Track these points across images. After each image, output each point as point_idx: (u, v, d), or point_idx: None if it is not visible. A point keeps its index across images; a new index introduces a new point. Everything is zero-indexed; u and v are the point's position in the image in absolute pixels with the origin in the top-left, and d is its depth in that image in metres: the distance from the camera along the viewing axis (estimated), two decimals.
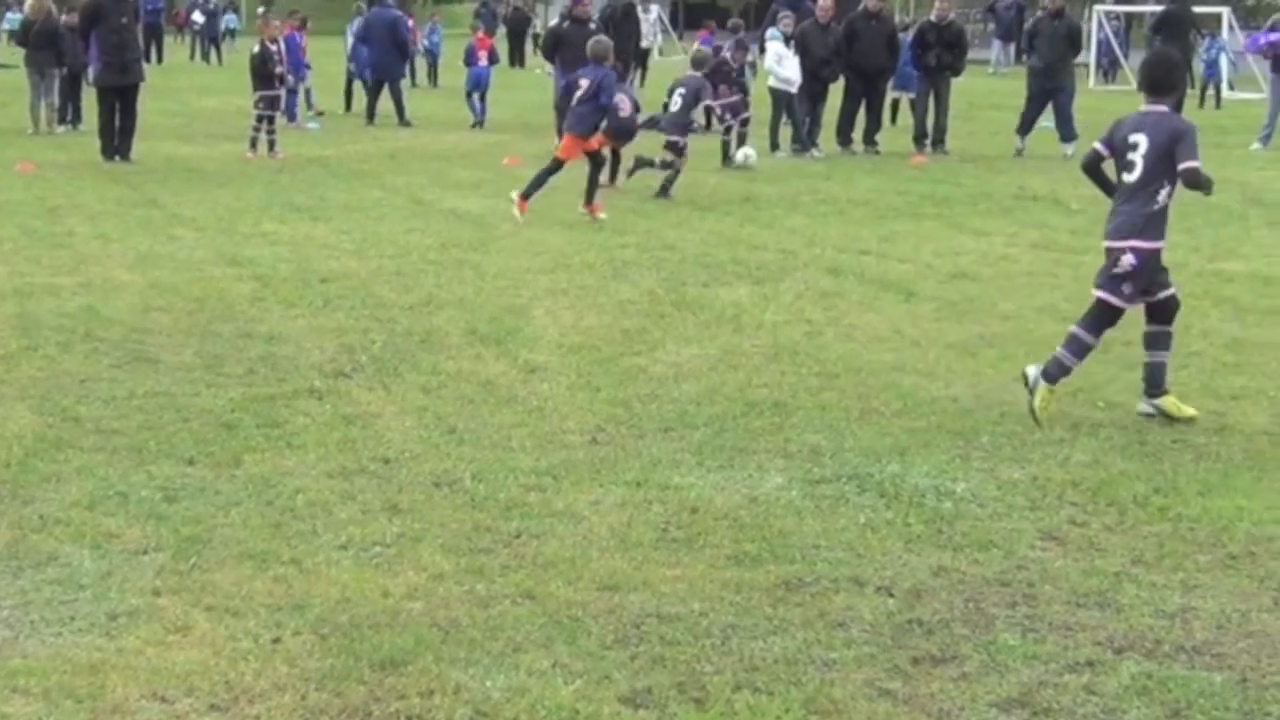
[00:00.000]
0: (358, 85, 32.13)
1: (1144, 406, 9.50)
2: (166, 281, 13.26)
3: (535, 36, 49.79)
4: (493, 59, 31.20)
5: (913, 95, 26.59)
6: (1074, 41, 25.83)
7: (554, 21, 29.88)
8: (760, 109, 25.08)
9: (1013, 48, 49.70)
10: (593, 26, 25.45)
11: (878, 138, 25.71)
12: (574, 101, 17.88)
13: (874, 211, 18.40)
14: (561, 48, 24.55)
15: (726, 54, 23.98)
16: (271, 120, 23.95)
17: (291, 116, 28.82)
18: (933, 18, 26.13)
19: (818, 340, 11.43)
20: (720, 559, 7.00)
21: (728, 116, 23.49)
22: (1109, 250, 9.44)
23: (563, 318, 12.07)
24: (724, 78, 23.06)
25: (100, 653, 5.88)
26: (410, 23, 33.48)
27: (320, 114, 30.67)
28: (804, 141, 24.83)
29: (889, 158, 24.66)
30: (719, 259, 14.84)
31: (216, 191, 19.47)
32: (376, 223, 17.01)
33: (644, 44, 40.97)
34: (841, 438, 8.92)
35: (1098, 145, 9.68)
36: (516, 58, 52.91)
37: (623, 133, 19.67)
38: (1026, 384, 9.45)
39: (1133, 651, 6.06)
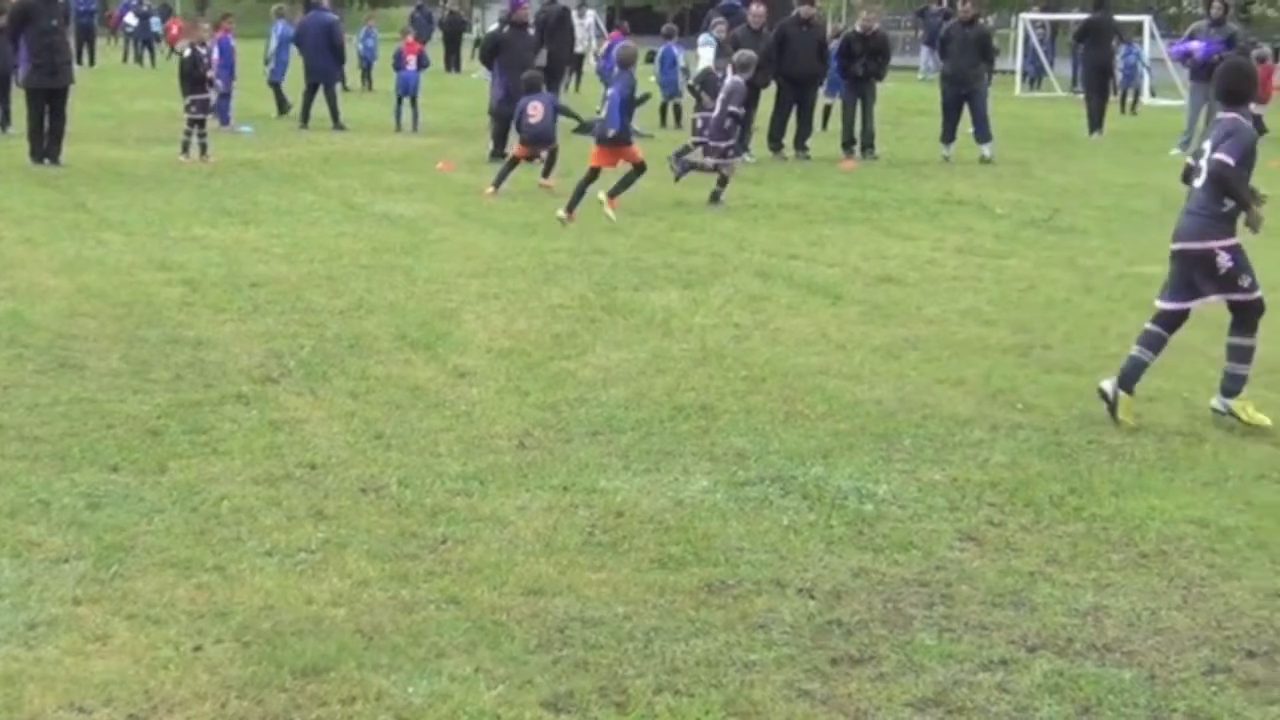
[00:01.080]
0: (289, 89, 32.03)
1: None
2: (94, 286, 13.19)
3: (476, 42, 49.68)
4: (422, 63, 31.05)
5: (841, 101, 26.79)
6: (984, 48, 26.39)
7: (493, 26, 29.86)
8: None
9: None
10: (531, 32, 25.50)
11: (808, 143, 25.83)
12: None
13: (804, 216, 18.48)
14: (500, 52, 24.56)
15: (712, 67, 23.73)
16: (203, 124, 23.78)
17: (224, 120, 28.68)
18: (858, 28, 26.41)
19: (745, 344, 11.51)
20: (645, 562, 7.05)
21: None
22: (1187, 253, 9.67)
23: (493, 322, 12.10)
24: (713, 90, 22.95)
25: (18, 663, 5.87)
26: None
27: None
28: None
29: (819, 163, 24.75)
30: (650, 263, 14.89)
31: (146, 195, 19.34)
32: (308, 227, 16.96)
33: (579, 49, 41.06)
34: (767, 440, 9.00)
35: (1190, 160, 9.96)
36: (452, 62, 52.83)
37: (538, 139, 20.08)
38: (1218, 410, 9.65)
39: (1045, 650, 6.16)
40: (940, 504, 7.92)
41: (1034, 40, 48.24)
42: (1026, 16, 49.77)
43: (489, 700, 5.63)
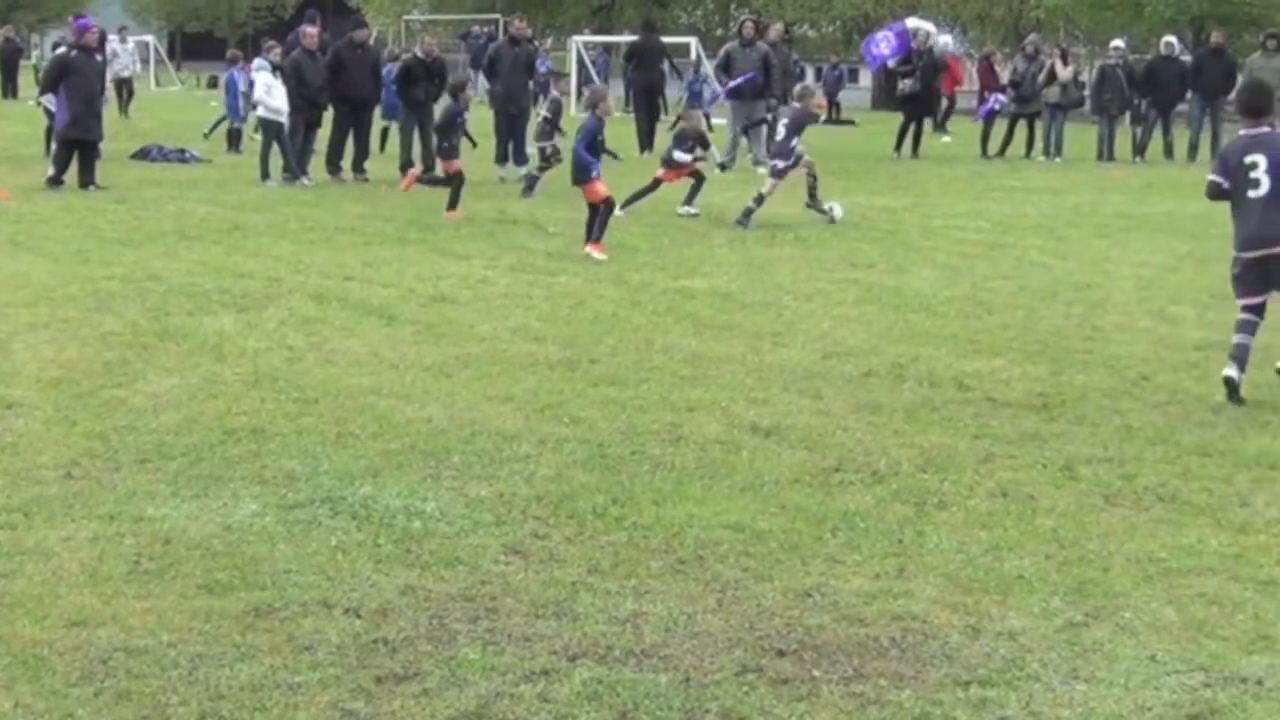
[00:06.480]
0: None
1: None
2: None
3: (35, 69, 48.20)
4: None
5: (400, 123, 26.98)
6: (531, 67, 27.18)
7: (60, 50, 29.11)
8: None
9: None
10: (99, 58, 24.97)
11: (366, 165, 25.88)
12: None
13: (360, 238, 18.52)
14: (67, 76, 23.87)
15: (556, 93, 23.93)
16: None
17: None
18: (419, 53, 26.57)
19: (298, 366, 11.49)
20: (191, 589, 7.00)
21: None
22: (1269, 257, 10.81)
23: (42, 352, 11.81)
24: (556, 118, 23.91)
25: None
26: None
27: None
28: (294, 170, 24.80)
29: (377, 184, 24.82)
30: (204, 288, 14.74)
31: None
32: None
33: (125, 74, 40.85)
34: (317, 462, 9.01)
35: (1214, 177, 11.00)
36: (10, 89, 51.22)
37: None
38: None
39: (586, 658, 6.30)
40: (487, 519, 8.04)
41: (586, 61, 49.14)
42: (579, 39, 50.72)
43: None
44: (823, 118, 22.69)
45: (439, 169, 21.57)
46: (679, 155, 20.66)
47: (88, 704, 5.81)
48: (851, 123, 25.69)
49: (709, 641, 6.52)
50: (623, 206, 19.91)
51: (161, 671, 6.11)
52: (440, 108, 22.80)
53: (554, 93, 24.61)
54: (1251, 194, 10.76)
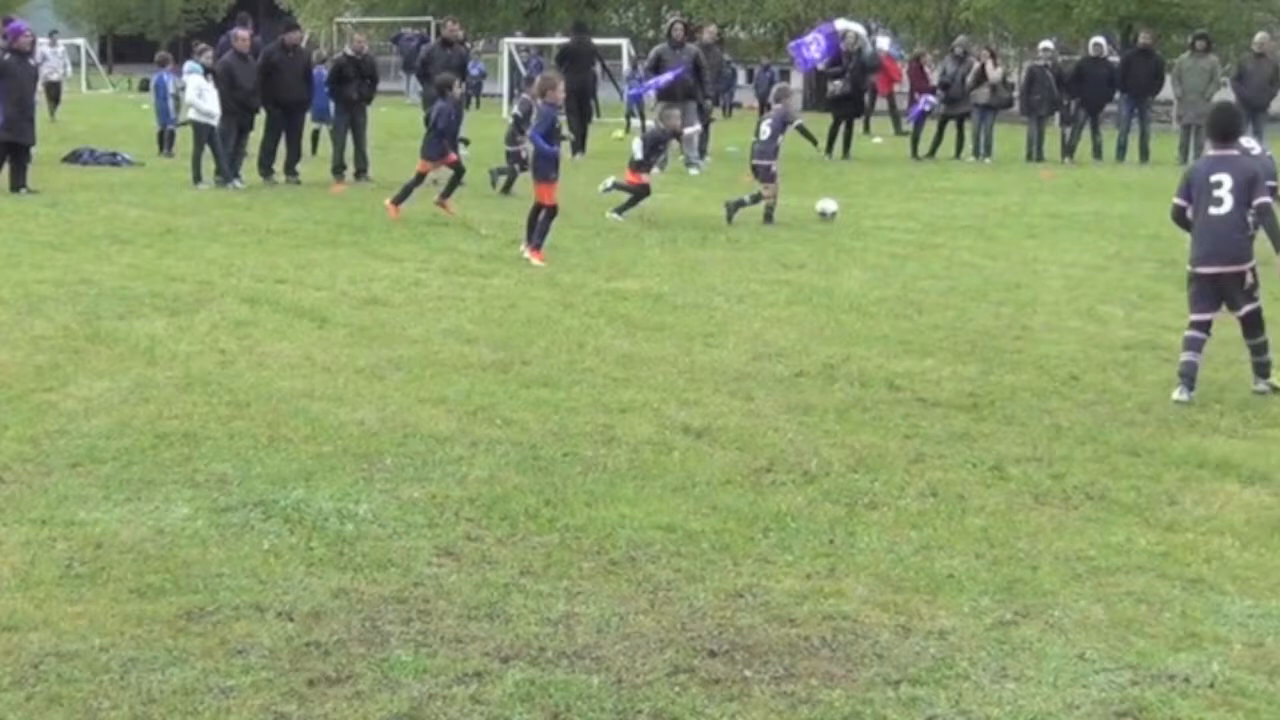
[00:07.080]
0: None
1: (1259, 386, 11.22)
2: None
3: None
4: None
5: (331, 126, 26.98)
6: (463, 69, 27.48)
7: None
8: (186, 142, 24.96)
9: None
10: (33, 62, 24.82)
11: (298, 168, 25.80)
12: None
13: (292, 240, 18.49)
14: (2, 79, 23.76)
15: (526, 95, 24.28)
16: None
17: None
18: (349, 51, 26.55)
19: (230, 370, 11.46)
20: (123, 593, 6.99)
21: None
22: (1224, 275, 11.04)
23: None
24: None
25: None
26: None
27: None
28: (226, 173, 24.71)
29: (310, 187, 24.76)
30: (136, 292, 14.68)
31: None
32: None
33: (54, 77, 40.67)
34: (249, 465, 9.00)
35: (1179, 201, 11.29)
36: None
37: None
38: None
39: (518, 660, 6.32)
40: (419, 521, 8.04)
41: (519, 64, 49.10)
42: (510, 41, 50.66)
43: None
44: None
45: (419, 167, 21.31)
46: (636, 151, 20.78)
47: (19, 709, 5.80)
48: (814, 141, 25.84)
49: (641, 642, 6.54)
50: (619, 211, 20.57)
51: (93, 676, 6.10)
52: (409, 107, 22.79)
53: (523, 95, 24.72)
54: (1213, 211, 10.94)
